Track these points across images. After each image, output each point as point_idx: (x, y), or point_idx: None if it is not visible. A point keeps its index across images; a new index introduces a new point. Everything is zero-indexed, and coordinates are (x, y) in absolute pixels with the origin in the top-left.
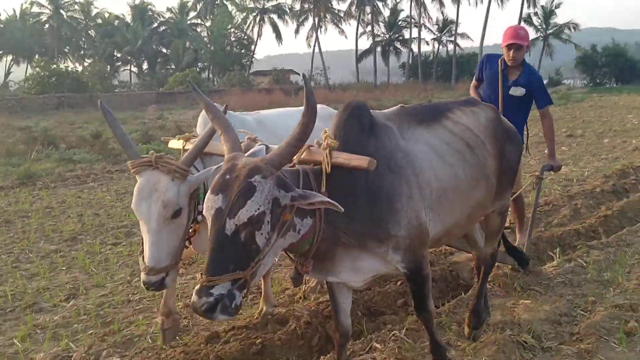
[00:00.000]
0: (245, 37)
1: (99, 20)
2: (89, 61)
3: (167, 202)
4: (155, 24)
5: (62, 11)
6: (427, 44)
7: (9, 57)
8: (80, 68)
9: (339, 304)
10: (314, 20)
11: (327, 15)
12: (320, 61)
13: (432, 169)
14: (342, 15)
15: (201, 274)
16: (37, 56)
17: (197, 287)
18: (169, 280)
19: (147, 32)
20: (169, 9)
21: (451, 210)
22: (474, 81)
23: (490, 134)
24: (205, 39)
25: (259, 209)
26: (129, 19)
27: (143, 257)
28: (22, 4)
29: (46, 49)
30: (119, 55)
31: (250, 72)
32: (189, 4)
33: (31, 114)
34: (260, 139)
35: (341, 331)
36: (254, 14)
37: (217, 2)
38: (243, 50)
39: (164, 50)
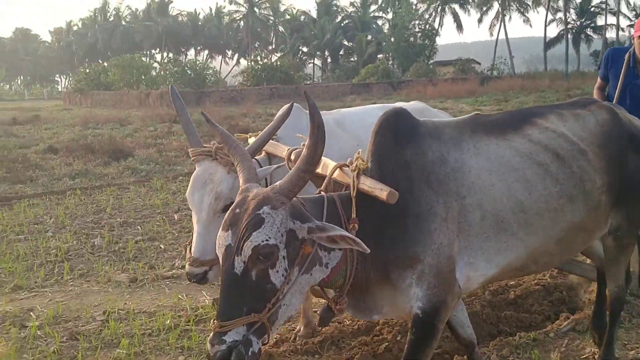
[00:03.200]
0: (429, 28)
1: (287, 16)
2: (277, 55)
3: (219, 195)
4: (339, 18)
5: (255, 8)
6: (622, 30)
7: (205, 52)
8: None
9: (451, 318)
10: (499, 8)
11: (512, 3)
12: (501, 49)
13: (489, 188)
14: (529, 2)
15: (213, 319)
16: (229, 51)
17: (211, 334)
18: (211, 275)
19: (331, 26)
20: (351, 3)
21: (526, 234)
22: (598, 81)
23: (599, 141)
24: (387, 31)
25: (266, 240)
26: (313, 13)
27: (190, 248)
28: (217, 3)
29: (238, 44)
30: (305, 49)
31: (432, 62)
32: None
33: (246, 104)
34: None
35: (464, 343)
36: (435, 4)
37: None
38: (426, 41)
39: (347, 43)
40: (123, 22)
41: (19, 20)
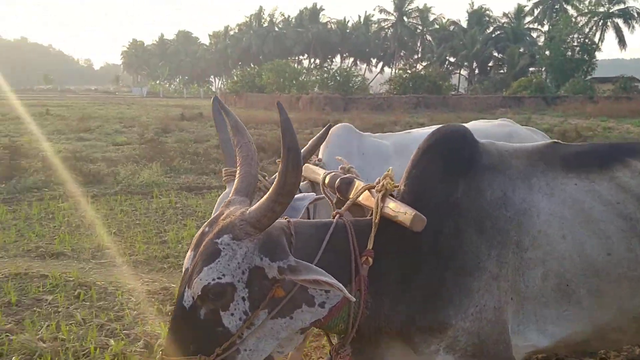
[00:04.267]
0: (589, 42)
1: (436, 26)
2: (422, 65)
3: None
4: (490, 29)
5: (404, 17)
6: None
7: (350, 60)
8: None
9: None
10: None
11: None
12: None
13: (559, 241)
14: None
15: (161, 351)
16: (373, 60)
17: None
18: None
19: (482, 37)
20: (505, 14)
21: (596, 305)
22: None
23: None
24: (541, 43)
25: (219, 279)
26: (464, 24)
27: None
28: (366, 11)
29: (384, 53)
30: (452, 59)
31: (589, 78)
32: (526, 9)
33: (393, 112)
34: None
35: None
36: (596, 18)
37: (556, 7)
38: (585, 56)
39: (497, 55)
40: (276, 28)
41: (182, 24)
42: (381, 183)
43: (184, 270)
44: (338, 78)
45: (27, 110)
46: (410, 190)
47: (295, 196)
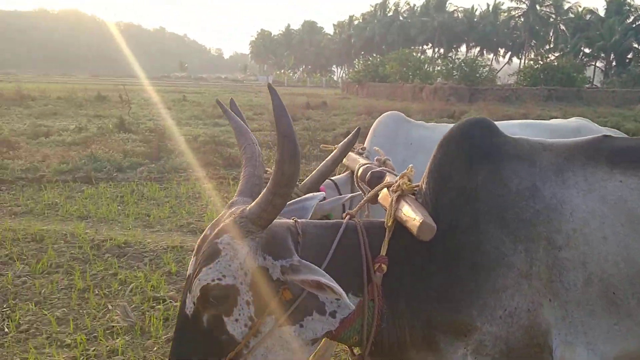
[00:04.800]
0: None
1: (571, 15)
2: (554, 55)
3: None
4: (631, 19)
5: (537, 6)
6: None
7: (476, 49)
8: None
9: None
10: None
11: None
12: None
13: (600, 242)
14: None
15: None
16: (501, 49)
17: None
18: None
19: (621, 27)
20: None
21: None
22: None
23: None
24: None
25: (219, 280)
26: (601, 12)
27: None
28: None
29: (513, 42)
30: (587, 50)
31: None
32: None
33: (523, 104)
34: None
35: None
36: None
37: None
38: None
39: (638, 46)
40: (400, 17)
41: (308, 14)
42: (397, 182)
43: (187, 277)
44: (464, 68)
45: (166, 96)
46: (430, 188)
47: (305, 195)
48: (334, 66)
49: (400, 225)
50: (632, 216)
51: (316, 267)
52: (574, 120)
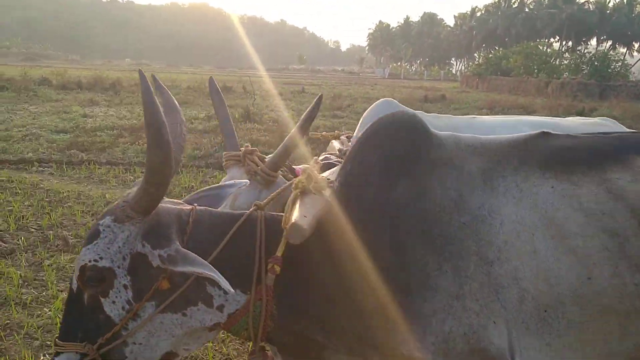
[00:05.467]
0: None
1: None
2: None
3: (237, 208)
4: None
5: None
6: None
7: (608, 43)
8: None
9: None
10: None
11: None
12: None
13: (530, 256)
14: None
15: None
16: (636, 44)
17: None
18: None
19: None
20: None
21: (579, 341)
22: None
23: None
24: None
25: (95, 261)
26: None
27: None
28: None
29: None
30: None
31: None
32: None
33: None
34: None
35: None
36: None
37: None
38: None
39: None
40: (526, 9)
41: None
42: (297, 180)
43: None
44: (595, 63)
45: (286, 88)
46: (343, 188)
47: (227, 182)
48: (453, 59)
49: (319, 227)
50: (560, 228)
51: (198, 258)
52: (594, 122)
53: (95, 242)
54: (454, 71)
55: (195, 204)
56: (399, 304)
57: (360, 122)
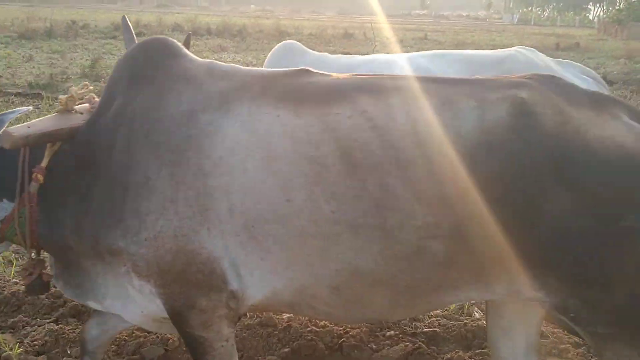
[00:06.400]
0: None
1: None
2: None
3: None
4: None
5: None
6: None
7: None
8: None
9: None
10: None
11: None
12: None
13: (241, 172)
14: None
15: None
16: None
17: None
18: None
19: None
20: None
21: (286, 261)
22: None
23: (474, 154)
24: None
25: None
26: None
27: None
28: None
29: None
30: None
31: None
32: None
33: None
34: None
35: None
36: None
37: None
38: None
39: None
40: None
41: None
42: (61, 97)
43: None
44: None
45: (408, 34)
46: (100, 102)
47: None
48: (590, 4)
49: (74, 141)
50: (270, 152)
51: None
52: (507, 51)
53: None
54: (590, 17)
55: None
56: (122, 200)
57: (264, 64)
